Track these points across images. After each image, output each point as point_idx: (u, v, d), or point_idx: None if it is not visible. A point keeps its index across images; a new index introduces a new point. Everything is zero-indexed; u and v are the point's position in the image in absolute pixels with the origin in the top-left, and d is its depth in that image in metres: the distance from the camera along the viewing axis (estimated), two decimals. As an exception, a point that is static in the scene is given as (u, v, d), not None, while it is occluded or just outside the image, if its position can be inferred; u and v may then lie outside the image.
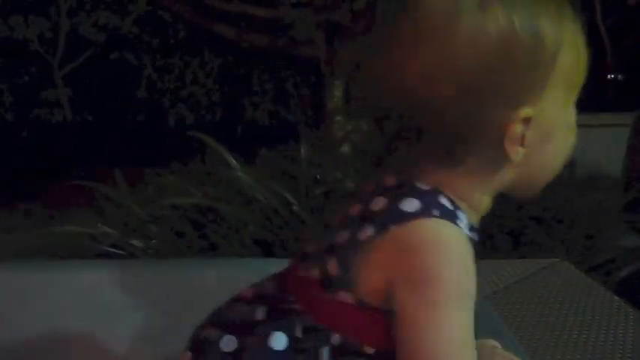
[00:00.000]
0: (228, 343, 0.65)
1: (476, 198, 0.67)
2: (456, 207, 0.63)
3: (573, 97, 0.71)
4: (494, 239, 2.44)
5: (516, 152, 0.63)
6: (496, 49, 0.60)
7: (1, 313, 1.24)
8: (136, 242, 2.37)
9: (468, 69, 0.60)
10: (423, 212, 0.60)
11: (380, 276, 0.60)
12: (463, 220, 0.63)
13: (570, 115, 0.71)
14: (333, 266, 0.62)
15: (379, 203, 0.62)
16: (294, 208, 2.41)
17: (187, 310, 1.20)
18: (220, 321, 0.70)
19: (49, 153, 6.95)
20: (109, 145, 6.98)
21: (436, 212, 0.60)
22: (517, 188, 0.70)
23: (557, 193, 2.84)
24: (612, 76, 8.62)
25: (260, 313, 0.65)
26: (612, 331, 1.22)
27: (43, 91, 8.74)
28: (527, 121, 0.63)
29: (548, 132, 0.67)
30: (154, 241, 2.42)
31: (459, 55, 0.59)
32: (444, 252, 0.60)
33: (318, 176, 2.68)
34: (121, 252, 2.35)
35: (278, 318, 0.64)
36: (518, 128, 0.62)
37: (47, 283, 1.25)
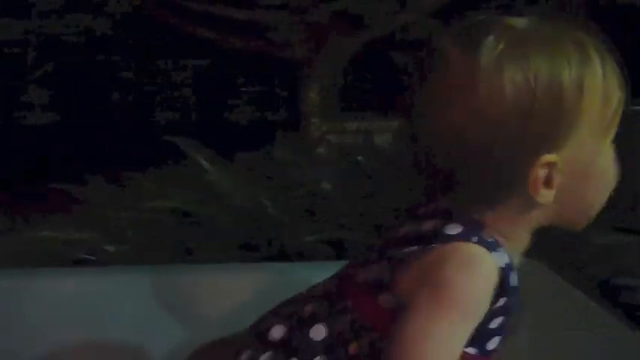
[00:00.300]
0: (278, 331, 0.75)
1: (516, 234, 0.76)
2: (496, 241, 0.72)
3: (608, 137, 0.76)
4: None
5: (541, 195, 0.71)
6: (513, 106, 0.67)
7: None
8: (111, 248, 2.34)
9: (490, 125, 0.67)
10: (464, 236, 0.70)
11: (412, 280, 0.69)
12: (501, 254, 0.72)
13: (606, 155, 0.76)
14: (382, 272, 0.72)
15: (429, 225, 0.72)
16: (270, 210, 2.41)
17: (166, 315, 1.20)
18: (277, 312, 0.80)
19: (26, 156, 6.85)
20: (84, 148, 6.90)
21: (474, 239, 0.70)
22: (562, 224, 0.79)
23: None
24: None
25: (311, 307, 0.75)
26: (585, 332, 1.23)
27: (19, 95, 8.63)
28: (551, 165, 0.70)
29: (582, 173, 0.74)
30: (129, 246, 2.39)
31: (481, 113, 0.67)
32: (471, 271, 0.68)
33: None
34: (94, 258, 2.32)
35: (326, 313, 0.73)
36: (541, 173, 0.69)
37: (19, 292, 1.23)
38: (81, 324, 1.19)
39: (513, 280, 0.75)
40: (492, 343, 0.77)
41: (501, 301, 0.74)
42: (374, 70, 8.43)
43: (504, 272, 0.73)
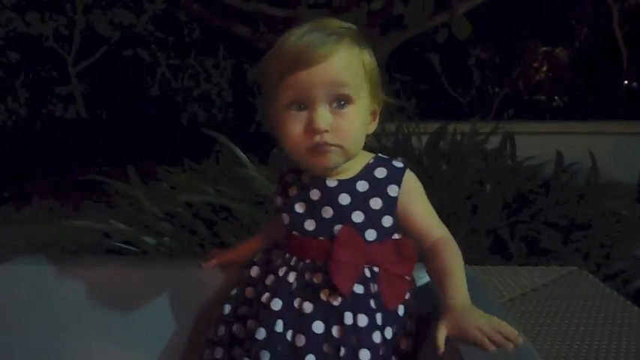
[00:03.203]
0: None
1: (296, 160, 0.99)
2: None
3: (278, 102, 0.94)
4: (508, 245, 2.42)
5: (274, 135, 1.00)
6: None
7: (13, 305, 1.24)
8: (148, 239, 2.37)
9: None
10: None
11: None
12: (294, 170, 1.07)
13: (282, 117, 0.95)
14: None
15: None
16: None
17: (197, 307, 1.20)
18: None
19: (62, 149, 6.97)
20: (123, 142, 7.00)
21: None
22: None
23: (572, 201, 2.81)
24: (627, 83, 8.55)
25: None
26: (633, 341, 1.20)
27: (57, 87, 8.79)
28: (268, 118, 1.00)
29: (275, 129, 0.98)
30: (166, 238, 2.41)
31: None
32: None
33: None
34: (133, 249, 2.34)
35: None
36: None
37: (59, 276, 1.25)
38: (116, 310, 1.21)
39: (305, 178, 1.02)
40: (310, 225, 0.99)
41: (294, 191, 1.03)
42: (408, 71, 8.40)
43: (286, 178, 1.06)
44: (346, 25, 0.97)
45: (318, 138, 0.92)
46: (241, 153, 2.82)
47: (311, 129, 0.91)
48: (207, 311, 1.17)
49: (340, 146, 0.93)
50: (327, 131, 0.92)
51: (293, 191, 1.03)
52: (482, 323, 0.84)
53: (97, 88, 8.87)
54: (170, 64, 8.97)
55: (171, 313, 1.22)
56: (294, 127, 0.93)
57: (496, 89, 8.63)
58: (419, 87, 8.53)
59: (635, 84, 8.62)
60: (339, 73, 0.91)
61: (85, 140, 7.38)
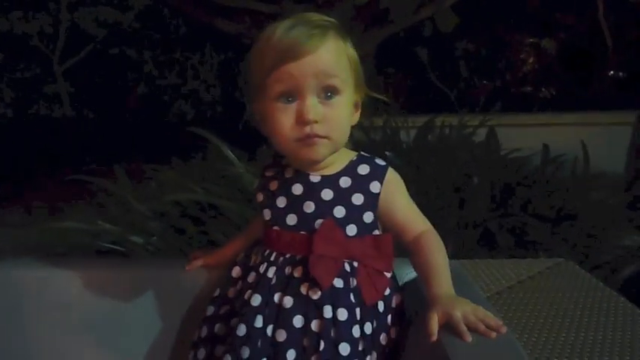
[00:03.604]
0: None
1: (285, 154, 1.03)
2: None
3: (265, 97, 0.95)
4: (495, 237, 2.43)
5: (260, 129, 1.01)
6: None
7: (0, 308, 1.23)
8: (137, 239, 2.35)
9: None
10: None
11: None
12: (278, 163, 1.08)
13: (270, 111, 0.95)
14: None
15: None
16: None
17: (185, 307, 1.20)
18: None
19: (49, 148, 6.92)
20: (110, 141, 6.96)
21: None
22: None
23: (558, 192, 2.82)
24: (613, 73, 8.59)
25: None
26: (618, 331, 1.21)
27: (43, 87, 8.72)
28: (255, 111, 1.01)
29: (264, 123, 0.99)
30: (154, 237, 2.40)
31: None
32: None
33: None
34: (121, 249, 2.33)
35: None
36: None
37: (46, 279, 1.24)
38: (104, 311, 1.20)
39: (287, 173, 1.03)
40: (291, 219, 1.00)
41: (275, 185, 1.04)
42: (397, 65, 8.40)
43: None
44: (328, 18, 0.98)
45: (308, 129, 0.93)
46: (229, 151, 2.81)
47: (301, 120, 0.92)
48: (195, 311, 1.17)
49: (328, 137, 0.94)
50: (316, 122, 0.93)
51: (274, 186, 1.04)
52: (468, 311, 0.85)
53: (83, 87, 8.81)
54: (157, 61, 8.92)
55: (160, 313, 1.22)
56: (284, 118, 0.94)
57: (483, 82, 8.66)
58: (406, 81, 8.54)
59: (621, 74, 8.67)
60: (328, 64, 0.93)
61: (72, 140, 7.33)
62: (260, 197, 1.06)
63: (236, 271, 1.08)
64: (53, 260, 1.32)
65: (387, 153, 2.69)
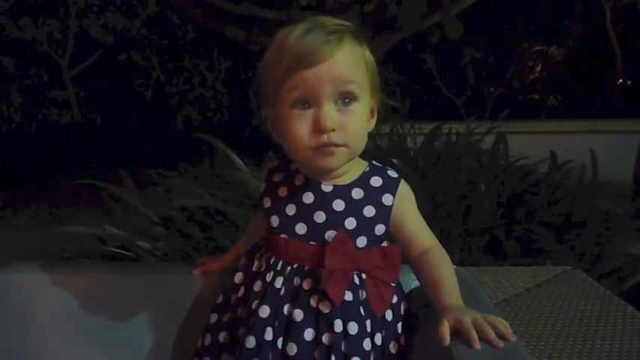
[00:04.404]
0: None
1: (297, 160, 1.01)
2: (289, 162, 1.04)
3: (281, 103, 0.92)
4: (502, 245, 2.42)
5: (273, 136, 1.00)
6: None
7: (8, 312, 1.24)
8: (143, 244, 2.36)
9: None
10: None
11: None
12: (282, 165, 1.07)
13: (286, 117, 0.93)
14: None
15: None
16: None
17: (191, 312, 1.20)
18: None
19: (57, 153, 6.96)
20: (117, 146, 6.98)
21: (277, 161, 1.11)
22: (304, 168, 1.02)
23: (566, 199, 2.81)
24: (621, 81, 8.58)
25: None
26: (626, 339, 1.20)
27: (51, 92, 8.77)
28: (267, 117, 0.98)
29: (278, 129, 0.97)
30: (161, 242, 2.41)
31: None
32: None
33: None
34: (128, 254, 2.34)
35: None
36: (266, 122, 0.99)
37: (52, 283, 1.24)
38: (110, 316, 1.21)
39: (298, 180, 1.01)
40: (300, 228, 0.98)
41: (284, 192, 1.01)
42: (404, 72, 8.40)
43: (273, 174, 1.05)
44: (344, 22, 0.96)
45: (325, 138, 0.90)
46: (236, 157, 2.82)
47: (318, 128, 0.90)
48: (198, 316, 1.17)
49: (346, 146, 0.92)
50: (333, 130, 0.91)
51: (283, 192, 1.02)
52: (478, 317, 0.84)
53: (91, 93, 8.85)
54: (164, 67, 8.96)
55: (166, 318, 1.22)
56: (300, 126, 0.91)
57: (491, 89, 8.66)
58: (413, 87, 8.54)
59: (628, 82, 8.65)
60: (345, 70, 0.91)
61: (80, 145, 7.36)
62: (267, 203, 1.03)
63: (238, 277, 1.07)
64: (59, 264, 1.32)
65: (393, 160, 2.69)
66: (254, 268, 1.04)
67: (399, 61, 7.37)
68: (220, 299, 1.09)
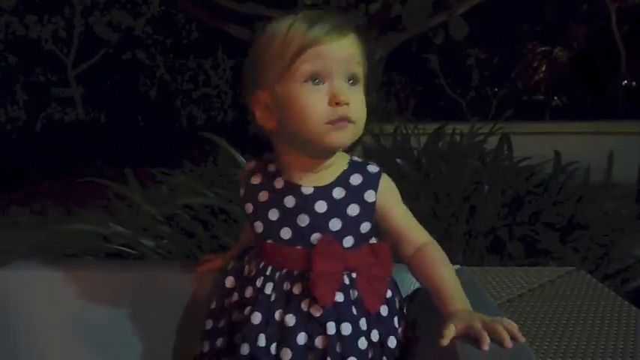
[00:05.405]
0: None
1: (284, 154, 0.99)
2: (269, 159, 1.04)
3: (291, 79, 0.91)
4: (506, 246, 2.42)
5: (264, 121, 0.97)
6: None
7: (11, 310, 1.24)
8: (147, 242, 2.37)
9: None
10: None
11: None
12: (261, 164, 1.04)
13: (290, 87, 0.91)
14: None
15: None
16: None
17: (197, 309, 1.20)
18: None
19: (61, 151, 6.98)
20: (122, 145, 7.00)
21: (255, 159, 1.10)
22: (301, 149, 0.96)
23: (570, 200, 2.81)
24: (626, 82, 8.56)
25: None
26: (630, 340, 1.20)
27: (56, 90, 8.79)
28: (261, 100, 0.96)
29: (283, 107, 0.92)
30: (165, 241, 2.41)
31: None
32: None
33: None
34: (131, 252, 2.34)
35: None
36: (255, 105, 0.97)
37: (57, 280, 1.25)
38: (115, 313, 1.21)
39: (278, 184, 0.99)
40: (285, 233, 0.96)
41: (265, 196, 0.99)
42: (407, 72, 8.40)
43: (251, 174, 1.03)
44: (342, 17, 0.98)
45: (341, 110, 0.90)
46: (240, 155, 2.82)
47: (335, 101, 0.89)
48: (198, 316, 1.16)
49: (355, 122, 0.92)
50: (347, 104, 0.90)
51: (264, 197, 1.00)
52: (487, 319, 0.84)
53: (96, 91, 8.88)
54: (169, 66, 8.98)
55: (170, 316, 1.22)
56: (315, 99, 0.90)
57: (495, 89, 8.65)
58: (417, 88, 8.54)
59: (633, 84, 8.63)
60: (354, 51, 0.93)
61: (84, 143, 7.38)
62: (250, 208, 1.01)
63: (230, 282, 1.05)
64: (63, 262, 1.33)
65: (397, 160, 2.69)
66: (245, 273, 1.03)
67: (404, 61, 7.37)
68: (214, 304, 1.07)
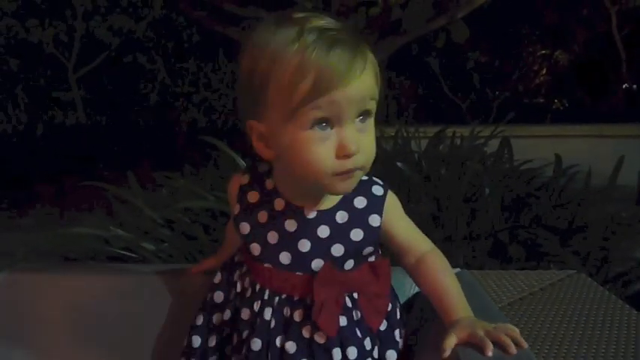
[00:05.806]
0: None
1: (284, 178, 0.93)
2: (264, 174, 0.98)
3: (298, 121, 0.81)
4: (507, 249, 2.42)
5: (261, 151, 0.88)
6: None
7: (13, 313, 1.24)
8: (148, 245, 2.37)
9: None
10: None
11: None
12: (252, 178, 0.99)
13: (295, 132, 0.82)
14: None
15: None
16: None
17: (192, 313, 1.20)
18: None
19: (62, 154, 6.98)
20: (123, 148, 7.00)
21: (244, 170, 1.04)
22: (308, 184, 0.87)
23: (570, 203, 2.81)
24: (627, 86, 8.56)
25: None
26: (631, 344, 1.20)
27: (57, 93, 8.80)
28: (255, 129, 0.86)
29: (281, 146, 0.84)
30: (165, 244, 2.41)
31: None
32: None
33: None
34: (132, 255, 2.34)
35: None
36: (252, 134, 0.87)
37: (57, 283, 1.25)
38: (116, 317, 1.21)
39: (278, 205, 0.93)
40: (285, 258, 0.92)
41: (264, 217, 0.94)
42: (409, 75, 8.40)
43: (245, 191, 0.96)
44: (348, 25, 0.87)
45: (349, 163, 0.83)
46: (240, 159, 2.83)
47: (343, 154, 0.82)
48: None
49: (363, 168, 0.86)
50: (356, 154, 0.83)
51: (263, 218, 0.94)
52: (490, 328, 0.82)
53: (96, 94, 8.88)
54: (169, 69, 8.99)
55: (171, 319, 1.23)
56: (322, 150, 0.82)
57: (496, 93, 8.66)
58: (418, 91, 8.55)
59: (634, 87, 8.63)
60: (370, 88, 0.84)
61: (85, 146, 7.38)
62: (246, 229, 0.95)
63: (219, 297, 1.02)
64: (64, 265, 1.33)
65: (398, 163, 2.70)
66: (238, 289, 0.99)
67: (404, 64, 7.37)
68: (201, 320, 1.03)
